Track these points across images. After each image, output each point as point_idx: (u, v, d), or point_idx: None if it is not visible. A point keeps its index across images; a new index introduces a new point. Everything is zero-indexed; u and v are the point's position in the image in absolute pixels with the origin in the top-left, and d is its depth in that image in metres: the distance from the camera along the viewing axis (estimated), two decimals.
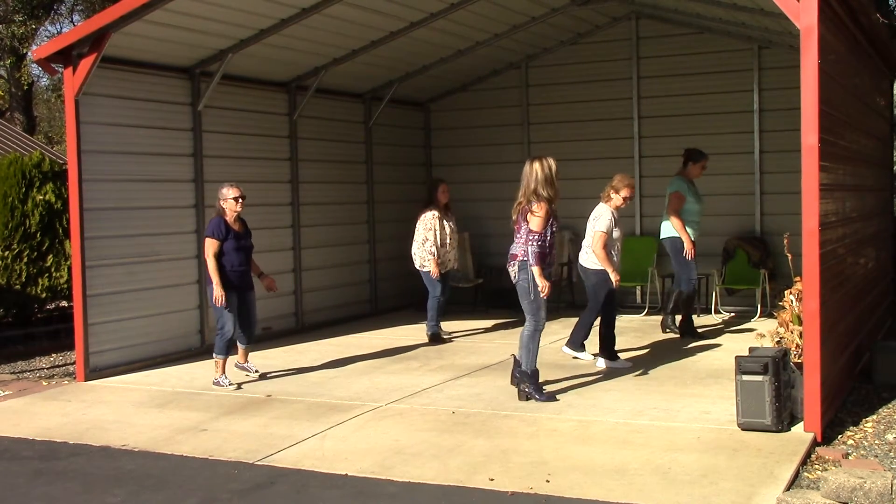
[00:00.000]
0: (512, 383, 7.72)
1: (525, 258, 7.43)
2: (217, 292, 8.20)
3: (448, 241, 10.58)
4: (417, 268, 10.63)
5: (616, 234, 8.70)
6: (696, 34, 12.48)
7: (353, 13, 9.97)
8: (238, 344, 8.66)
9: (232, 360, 8.65)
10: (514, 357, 7.69)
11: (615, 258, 8.73)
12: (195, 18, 9.08)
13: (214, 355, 8.46)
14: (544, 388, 7.71)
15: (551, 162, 7.50)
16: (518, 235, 7.53)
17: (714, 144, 12.20)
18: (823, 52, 6.47)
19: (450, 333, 10.96)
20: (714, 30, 12.16)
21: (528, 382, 7.52)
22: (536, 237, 7.36)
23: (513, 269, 7.55)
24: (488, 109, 13.82)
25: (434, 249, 10.41)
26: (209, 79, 10.19)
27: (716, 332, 10.76)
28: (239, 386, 8.40)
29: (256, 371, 8.76)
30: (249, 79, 10.96)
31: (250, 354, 8.82)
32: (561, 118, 13.32)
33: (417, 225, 10.54)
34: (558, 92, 13.36)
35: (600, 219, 8.64)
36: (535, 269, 7.34)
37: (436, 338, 10.58)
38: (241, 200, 8.41)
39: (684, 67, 12.60)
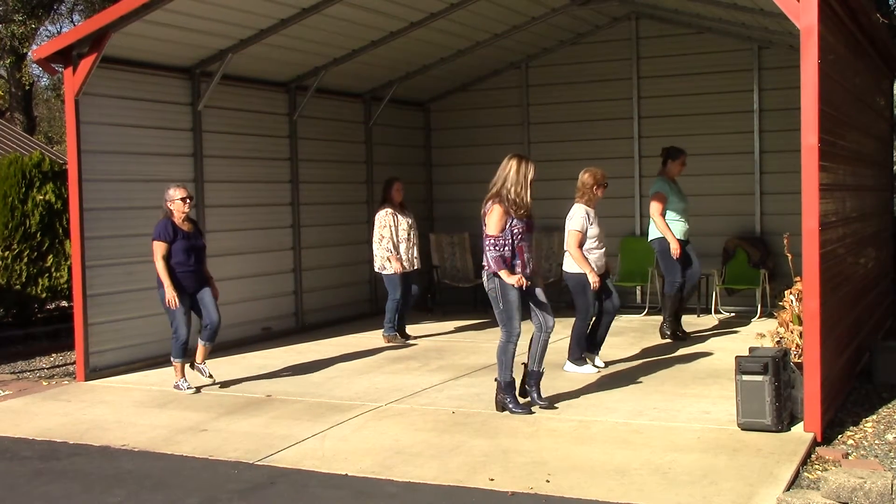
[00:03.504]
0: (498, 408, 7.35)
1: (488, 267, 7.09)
2: (169, 294, 8.05)
3: (407, 237, 10.50)
4: (377, 270, 10.52)
5: (594, 231, 8.49)
6: (696, 34, 12.48)
7: (353, 13, 9.98)
8: (199, 340, 8.37)
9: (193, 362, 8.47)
10: (524, 364, 7.43)
11: (601, 256, 8.54)
12: (195, 18, 9.08)
13: (172, 359, 8.35)
14: (549, 396, 7.54)
15: (529, 167, 7.06)
16: (483, 242, 7.15)
17: (714, 144, 12.25)
18: (823, 52, 6.47)
19: (413, 337, 10.81)
20: (714, 30, 12.16)
21: (504, 393, 7.21)
22: (492, 241, 6.98)
23: (484, 279, 7.22)
24: (488, 109, 13.83)
25: (391, 247, 10.33)
26: (209, 79, 10.19)
27: (716, 332, 10.76)
28: (198, 390, 8.26)
29: (211, 376, 8.44)
30: (249, 79, 10.96)
31: (209, 360, 8.55)
32: (561, 118, 13.33)
33: (374, 225, 10.50)
34: (558, 92, 13.36)
35: (573, 218, 8.48)
36: (503, 273, 6.94)
37: (393, 340, 10.53)
38: (188, 201, 8.29)
39: (684, 67, 12.60)
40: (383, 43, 11.12)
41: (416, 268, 10.72)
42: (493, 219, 7.01)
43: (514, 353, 7.17)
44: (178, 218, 8.27)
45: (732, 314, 11.94)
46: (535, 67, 13.56)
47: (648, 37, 12.84)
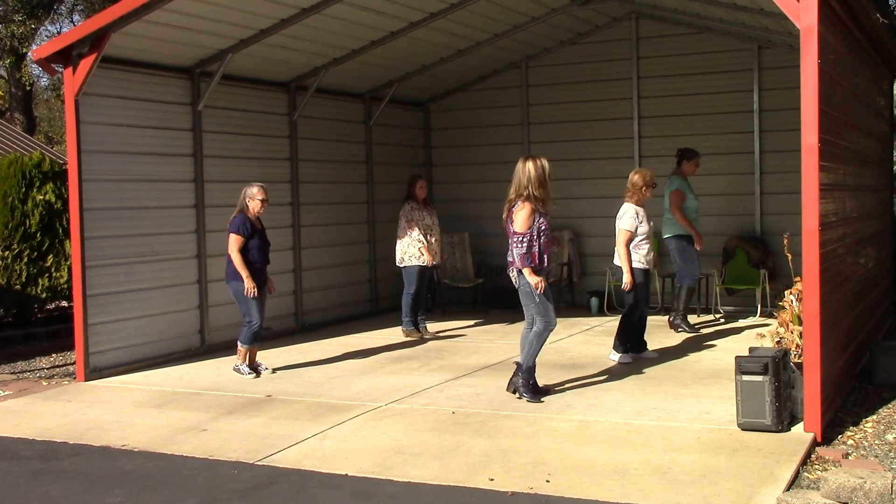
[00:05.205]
0: (508, 389, 7.69)
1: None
2: (249, 285, 8.50)
3: (430, 233, 10.64)
4: (397, 263, 10.71)
5: (644, 228, 8.81)
6: (696, 34, 12.48)
7: (353, 13, 9.97)
8: (239, 343, 8.83)
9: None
10: (518, 363, 7.62)
11: (650, 254, 8.88)
12: (195, 18, 9.08)
13: (240, 344, 8.78)
14: (555, 389, 7.68)
15: (544, 162, 7.44)
16: (511, 240, 7.46)
17: (714, 144, 12.24)
18: (823, 52, 6.47)
19: (434, 333, 10.91)
20: (714, 30, 12.16)
21: (522, 376, 7.50)
22: (520, 238, 7.31)
23: (513, 275, 7.53)
24: (488, 109, 13.82)
25: (423, 238, 10.50)
26: (209, 79, 10.19)
27: (716, 332, 10.75)
28: (258, 374, 8.77)
29: (267, 368, 8.97)
30: (249, 79, 10.96)
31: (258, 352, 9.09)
32: (561, 118, 13.33)
33: (399, 220, 10.68)
34: (558, 92, 13.36)
35: (623, 217, 8.82)
36: (525, 271, 7.30)
37: (412, 334, 10.68)
38: (265, 203, 8.74)
39: (684, 67, 12.60)
40: (383, 43, 11.12)
41: (437, 264, 11.02)
42: (521, 216, 7.30)
43: (545, 341, 7.47)
44: (253, 216, 8.65)
45: (720, 314, 11.91)
46: (535, 67, 13.56)
47: (648, 37, 12.83)
